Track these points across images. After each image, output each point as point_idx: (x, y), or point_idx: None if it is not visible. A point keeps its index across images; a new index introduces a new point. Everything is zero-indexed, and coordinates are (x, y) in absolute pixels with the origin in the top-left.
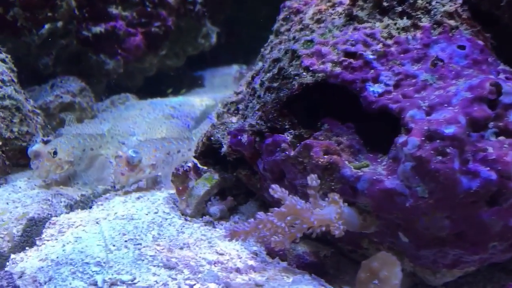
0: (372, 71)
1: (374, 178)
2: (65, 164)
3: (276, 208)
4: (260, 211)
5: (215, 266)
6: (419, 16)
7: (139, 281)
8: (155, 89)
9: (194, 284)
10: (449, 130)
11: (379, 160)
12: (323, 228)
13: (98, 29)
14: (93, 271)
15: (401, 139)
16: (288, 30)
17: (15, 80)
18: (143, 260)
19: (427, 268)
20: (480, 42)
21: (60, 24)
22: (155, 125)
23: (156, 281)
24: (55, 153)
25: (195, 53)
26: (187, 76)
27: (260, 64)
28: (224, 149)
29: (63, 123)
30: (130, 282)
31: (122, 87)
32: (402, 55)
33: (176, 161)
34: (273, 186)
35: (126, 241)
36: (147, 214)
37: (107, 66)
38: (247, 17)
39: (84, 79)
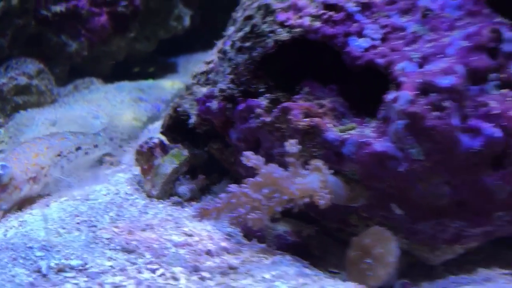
0: (356, 24)
1: (362, 141)
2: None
3: (250, 179)
4: None
5: (182, 248)
6: None
7: (91, 267)
8: (125, 75)
9: (157, 269)
10: (446, 81)
11: (366, 124)
12: (307, 200)
13: (58, 8)
14: (37, 256)
15: (391, 95)
16: None
17: None
18: (98, 244)
19: (424, 245)
20: None
21: (15, 1)
22: (121, 108)
23: (111, 266)
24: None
25: (168, 37)
26: (160, 61)
27: (232, 28)
28: (193, 120)
29: (18, 108)
30: (80, 267)
31: (89, 72)
32: (388, 6)
33: (78, 161)
34: (246, 153)
35: (78, 223)
36: (105, 195)
37: (69, 48)
38: (223, 2)
39: (44, 62)
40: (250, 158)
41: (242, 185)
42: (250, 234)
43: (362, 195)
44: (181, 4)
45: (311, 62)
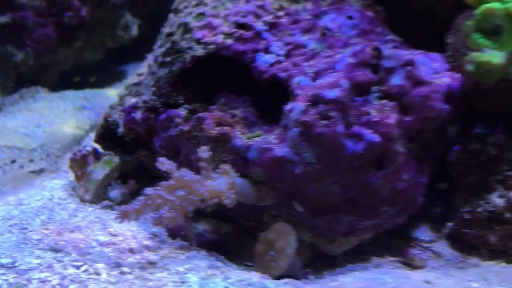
0: (263, 41)
1: (264, 146)
2: None
3: (164, 182)
4: None
5: (107, 247)
6: None
7: (20, 264)
8: (73, 84)
9: (81, 265)
10: (332, 93)
11: (272, 131)
12: (215, 200)
13: (3, 19)
14: None
15: (289, 106)
16: (186, 7)
17: None
18: (27, 244)
19: (324, 238)
20: (370, 13)
21: None
22: (63, 117)
23: (39, 263)
24: None
25: (115, 46)
26: (109, 70)
27: (159, 42)
28: (121, 129)
29: None
30: (10, 265)
31: (37, 81)
32: (292, 26)
33: (14, 173)
34: (160, 158)
35: (10, 225)
36: (38, 200)
37: (15, 57)
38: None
39: None
40: (164, 163)
41: (157, 187)
42: (175, 233)
43: (269, 195)
44: (128, 14)
45: (227, 75)
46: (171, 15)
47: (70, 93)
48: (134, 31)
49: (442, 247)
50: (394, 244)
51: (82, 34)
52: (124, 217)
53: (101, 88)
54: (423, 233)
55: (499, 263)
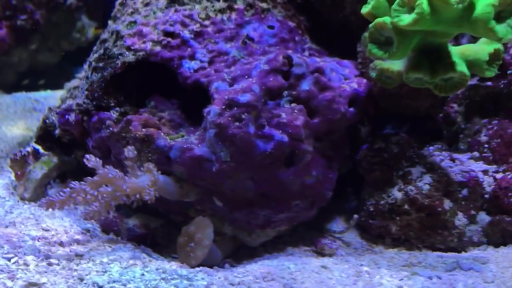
0: (189, 49)
1: (185, 146)
2: None
3: (89, 178)
4: None
5: (38, 241)
6: None
7: None
8: (29, 86)
9: (12, 257)
10: (244, 98)
11: (196, 132)
12: (138, 196)
13: None
14: None
15: (207, 109)
16: (123, 14)
17: None
18: None
19: (243, 230)
20: (291, 23)
21: None
22: (13, 119)
23: None
24: None
25: (72, 48)
26: (66, 71)
27: (94, 48)
28: (57, 131)
29: None
30: None
31: None
32: (217, 34)
33: None
34: (87, 156)
35: None
36: None
37: None
38: None
39: None
40: (90, 160)
41: (82, 183)
42: (108, 228)
43: (192, 191)
44: (85, 17)
45: (158, 80)
46: (110, 22)
47: (22, 95)
48: (90, 33)
49: (352, 236)
50: (310, 235)
51: (37, 37)
52: (49, 206)
53: (58, 89)
54: (336, 224)
55: (401, 250)
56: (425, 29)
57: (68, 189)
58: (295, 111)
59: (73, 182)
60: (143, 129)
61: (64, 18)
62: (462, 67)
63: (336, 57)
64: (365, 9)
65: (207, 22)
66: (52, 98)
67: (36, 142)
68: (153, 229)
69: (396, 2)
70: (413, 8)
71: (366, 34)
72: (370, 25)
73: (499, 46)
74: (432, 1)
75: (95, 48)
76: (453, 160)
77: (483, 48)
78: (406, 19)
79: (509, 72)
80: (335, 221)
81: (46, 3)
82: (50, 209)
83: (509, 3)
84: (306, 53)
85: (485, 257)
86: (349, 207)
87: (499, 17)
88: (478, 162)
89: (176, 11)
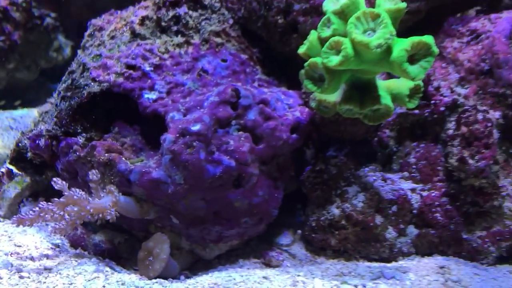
0: (149, 80)
1: (144, 170)
2: None
3: (56, 199)
4: None
5: (11, 256)
6: (191, 34)
7: None
8: (7, 103)
9: None
10: (195, 127)
11: (154, 156)
12: (100, 215)
13: None
14: None
15: (163, 136)
16: (92, 45)
17: None
18: None
19: (199, 245)
20: (243, 56)
21: None
22: None
23: None
24: None
25: (49, 66)
26: (44, 88)
27: (63, 78)
28: (29, 154)
29: None
30: None
31: None
32: (174, 67)
33: None
34: (54, 179)
35: None
36: None
37: None
38: None
39: None
40: (57, 183)
41: (49, 203)
42: (76, 244)
43: (151, 210)
44: (62, 36)
45: (122, 107)
46: (79, 51)
47: None
48: (67, 52)
49: (298, 249)
50: (260, 248)
51: (14, 56)
52: (20, 223)
53: (36, 105)
54: (285, 237)
55: (340, 260)
56: (352, 68)
57: (37, 208)
58: (242, 138)
59: (41, 203)
60: (106, 154)
61: (41, 38)
62: (387, 100)
63: (284, 87)
64: (301, 50)
65: (166, 56)
66: (29, 116)
67: (10, 163)
68: (117, 244)
69: (325, 45)
70: (340, 51)
71: (302, 71)
72: (305, 64)
73: (419, 82)
74: (355, 45)
75: (63, 78)
76: (384, 180)
77: (405, 83)
78: (334, 60)
79: (432, 102)
80: (284, 234)
81: (23, 24)
82: (21, 226)
83: (420, 48)
84: (256, 84)
85: (407, 266)
86: (298, 221)
87: (413, 59)
88: (407, 181)
89: (138, 45)
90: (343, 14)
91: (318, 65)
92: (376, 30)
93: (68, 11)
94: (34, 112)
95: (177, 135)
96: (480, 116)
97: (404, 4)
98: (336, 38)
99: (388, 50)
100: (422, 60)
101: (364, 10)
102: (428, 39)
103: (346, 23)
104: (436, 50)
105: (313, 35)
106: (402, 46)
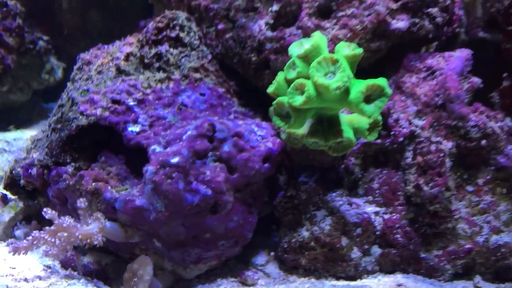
0: (133, 114)
1: (128, 198)
2: None
3: (47, 227)
4: None
5: (6, 277)
6: (172, 70)
7: None
8: (1, 124)
9: None
10: (174, 160)
11: (138, 185)
12: (88, 241)
13: None
14: None
15: (146, 167)
16: (80, 78)
17: None
18: None
19: (180, 265)
20: (220, 90)
21: None
22: None
23: None
24: None
25: (41, 88)
26: (37, 108)
27: (53, 111)
28: (22, 181)
29: None
30: None
31: None
32: (156, 101)
33: None
34: (45, 209)
35: None
36: None
37: None
38: None
39: None
40: (47, 212)
41: (41, 232)
42: (66, 265)
43: (136, 234)
44: (53, 58)
45: (108, 138)
46: (68, 84)
47: None
48: (59, 74)
49: (273, 268)
50: (238, 268)
51: (8, 79)
52: (15, 251)
53: (29, 125)
54: (260, 258)
55: (311, 278)
56: (315, 106)
57: (30, 237)
58: (218, 169)
59: (34, 232)
60: (93, 183)
61: (33, 61)
62: (349, 134)
63: (259, 117)
64: (270, 89)
65: (148, 91)
66: (22, 139)
67: (4, 189)
68: (104, 265)
69: (291, 86)
70: (303, 92)
71: (271, 108)
72: (273, 102)
73: (377, 117)
74: (317, 87)
75: (54, 111)
76: (350, 204)
77: (365, 118)
78: (298, 100)
79: (392, 133)
80: (259, 254)
81: (16, 48)
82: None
83: (375, 89)
84: (232, 116)
85: (369, 285)
86: (273, 241)
87: (369, 99)
88: (371, 205)
89: (123, 81)
90: (307, 58)
91: (284, 104)
92: (336, 73)
93: (61, 32)
94: (26, 135)
95: (158, 166)
96: (433, 147)
97: (360, 50)
98: (300, 80)
99: (346, 91)
100: (377, 100)
101: (324, 55)
102: (382, 81)
103: (310, 66)
104: (389, 91)
105: (280, 76)
106: (358, 89)
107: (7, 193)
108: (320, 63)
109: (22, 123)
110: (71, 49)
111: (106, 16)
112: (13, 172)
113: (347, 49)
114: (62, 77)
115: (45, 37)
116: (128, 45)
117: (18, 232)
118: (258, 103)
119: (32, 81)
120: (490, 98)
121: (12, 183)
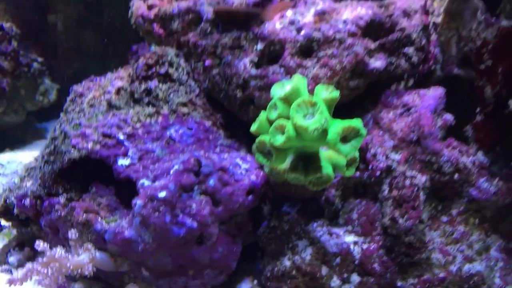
0: (123, 148)
1: (117, 230)
2: None
3: (40, 259)
4: None
5: None
6: (161, 105)
7: None
8: None
9: None
10: (162, 194)
11: (127, 216)
12: (79, 271)
13: None
14: None
15: (134, 200)
16: (73, 110)
17: None
18: None
19: None
20: (207, 123)
21: None
22: None
23: None
24: None
25: (35, 109)
26: (31, 129)
27: (46, 143)
28: (15, 210)
29: None
30: None
31: None
32: (145, 135)
33: None
34: (37, 241)
35: None
36: None
37: None
38: (94, 72)
39: None
40: (39, 245)
41: (34, 263)
42: None
43: (125, 263)
44: (48, 80)
45: (99, 170)
46: (61, 114)
47: None
48: (53, 95)
49: None
50: None
51: (2, 102)
52: (11, 283)
53: (23, 145)
54: (245, 284)
55: None
56: (295, 145)
57: (25, 269)
58: (203, 202)
59: (28, 263)
60: (84, 215)
61: (28, 83)
62: (328, 170)
63: (244, 149)
64: (253, 128)
65: (138, 125)
66: (16, 161)
67: None
68: None
69: (272, 126)
70: (284, 132)
71: (254, 146)
72: (256, 140)
73: (354, 153)
74: (296, 128)
75: (47, 143)
76: (330, 234)
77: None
78: (279, 140)
79: (370, 167)
80: (244, 281)
81: (11, 72)
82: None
83: (351, 131)
84: (218, 149)
85: None
86: (257, 268)
87: (346, 139)
88: (350, 234)
89: (113, 115)
90: (287, 100)
91: (266, 143)
92: (314, 114)
93: (55, 53)
94: (20, 156)
95: (146, 200)
96: (407, 182)
97: (336, 93)
98: (281, 121)
99: (324, 132)
100: (353, 139)
101: (303, 98)
102: (357, 123)
103: (290, 107)
104: (363, 132)
105: (262, 116)
106: (335, 130)
107: (1, 220)
108: (299, 105)
109: (16, 144)
110: (65, 70)
111: (100, 37)
112: (7, 201)
113: (325, 92)
114: (56, 98)
115: (40, 59)
116: (119, 79)
117: (12, 259)
118: (244, 134)
119: (27, 103)
120: (464, 132)
121: (5, 211)
